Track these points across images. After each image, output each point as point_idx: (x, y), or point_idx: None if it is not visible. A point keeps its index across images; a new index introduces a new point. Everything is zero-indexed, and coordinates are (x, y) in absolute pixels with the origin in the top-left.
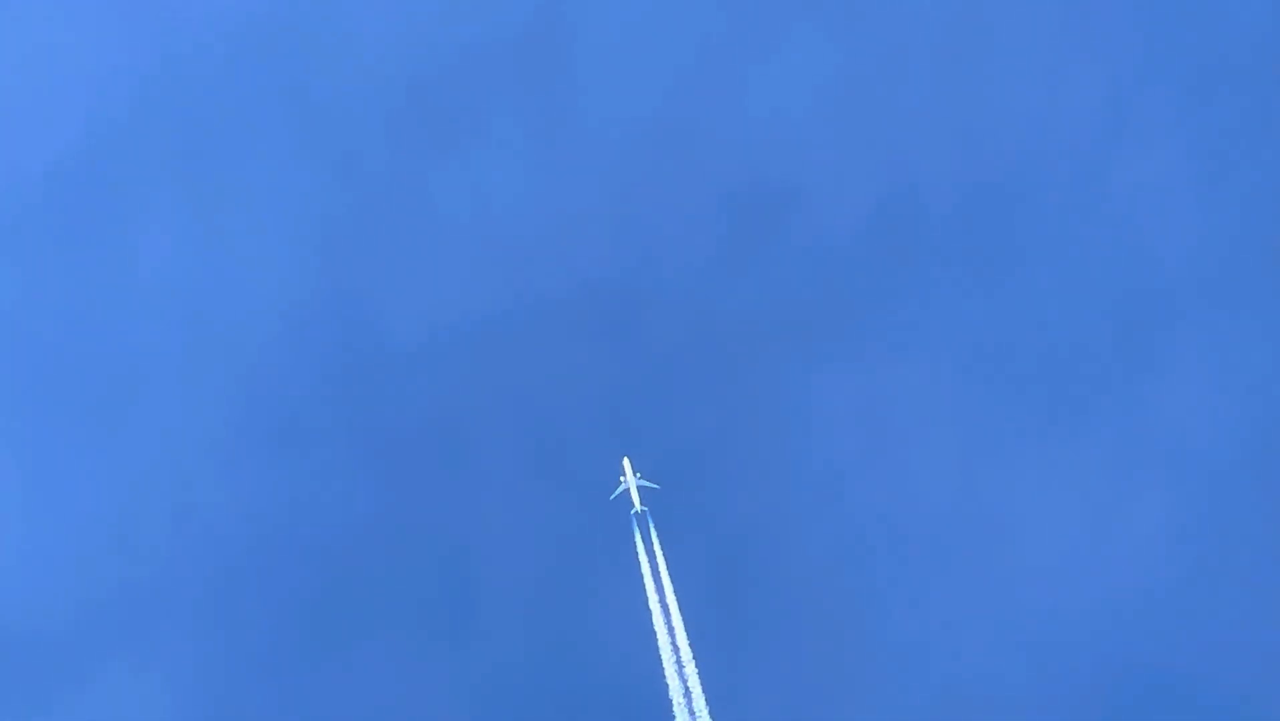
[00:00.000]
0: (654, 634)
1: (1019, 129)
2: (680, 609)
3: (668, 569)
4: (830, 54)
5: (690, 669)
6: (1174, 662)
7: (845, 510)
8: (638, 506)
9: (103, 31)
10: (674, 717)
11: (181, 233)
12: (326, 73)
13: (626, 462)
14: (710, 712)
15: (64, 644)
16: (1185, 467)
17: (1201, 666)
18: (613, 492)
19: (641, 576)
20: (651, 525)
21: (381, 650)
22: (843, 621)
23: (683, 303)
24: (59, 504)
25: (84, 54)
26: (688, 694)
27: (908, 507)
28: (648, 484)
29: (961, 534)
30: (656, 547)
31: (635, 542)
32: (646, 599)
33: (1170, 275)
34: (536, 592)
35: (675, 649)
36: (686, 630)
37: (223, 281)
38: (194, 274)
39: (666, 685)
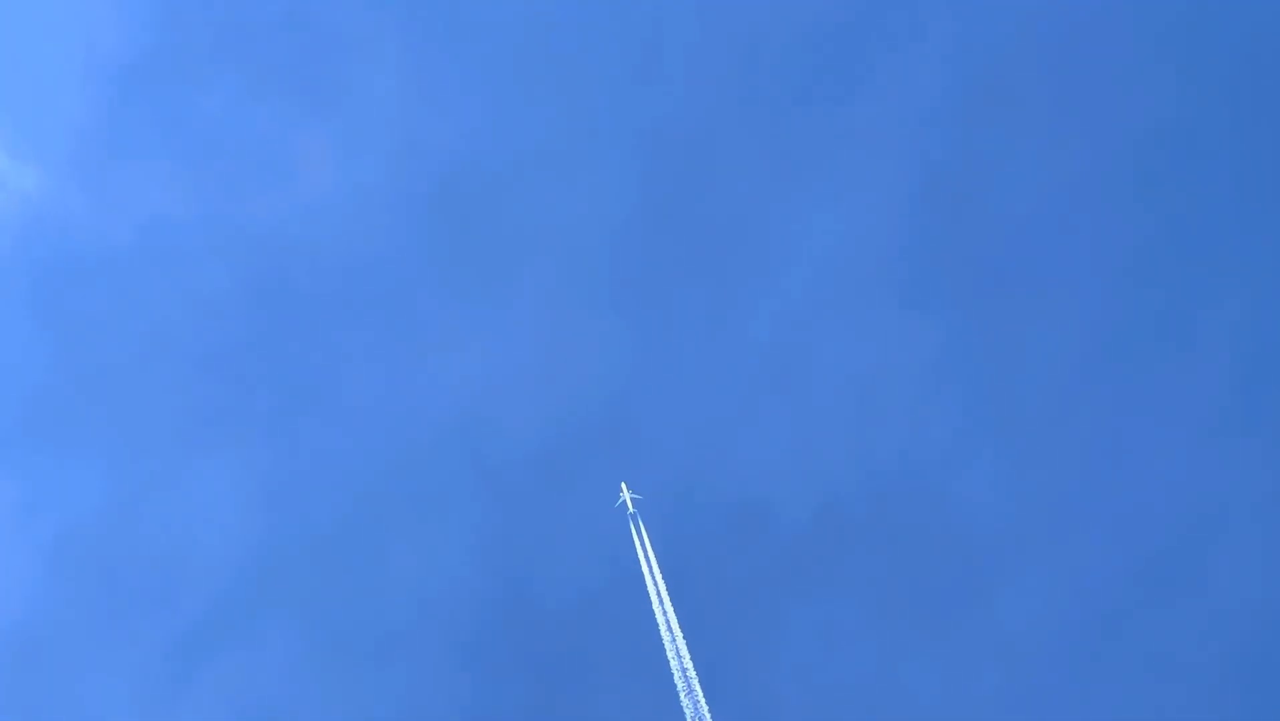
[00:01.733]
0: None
1: (896, 464)
2: (671, 599)
3: (657, 558)
4: (783, 421)
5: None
6: None
7: (811, 694)
8: (631, 509)
9: (361, 437)
10: None
11: (410, 550)
12: (489, 445)
13: (624, 485)
14: None
15: None
16: (1013, 659)
17: None
18: (615, 503)
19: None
20: (641, 522)
21: None
22: None
23: (699, 579)
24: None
25: (354, 451)
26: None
27: (845, 693)
28: (637, 496)
29: (876, 704)
30: (646, 539)
31: (632, 536)
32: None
33: (984, 544)
34: None
35: (671, 631)
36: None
37: (438, 570)
38: (419, 568)
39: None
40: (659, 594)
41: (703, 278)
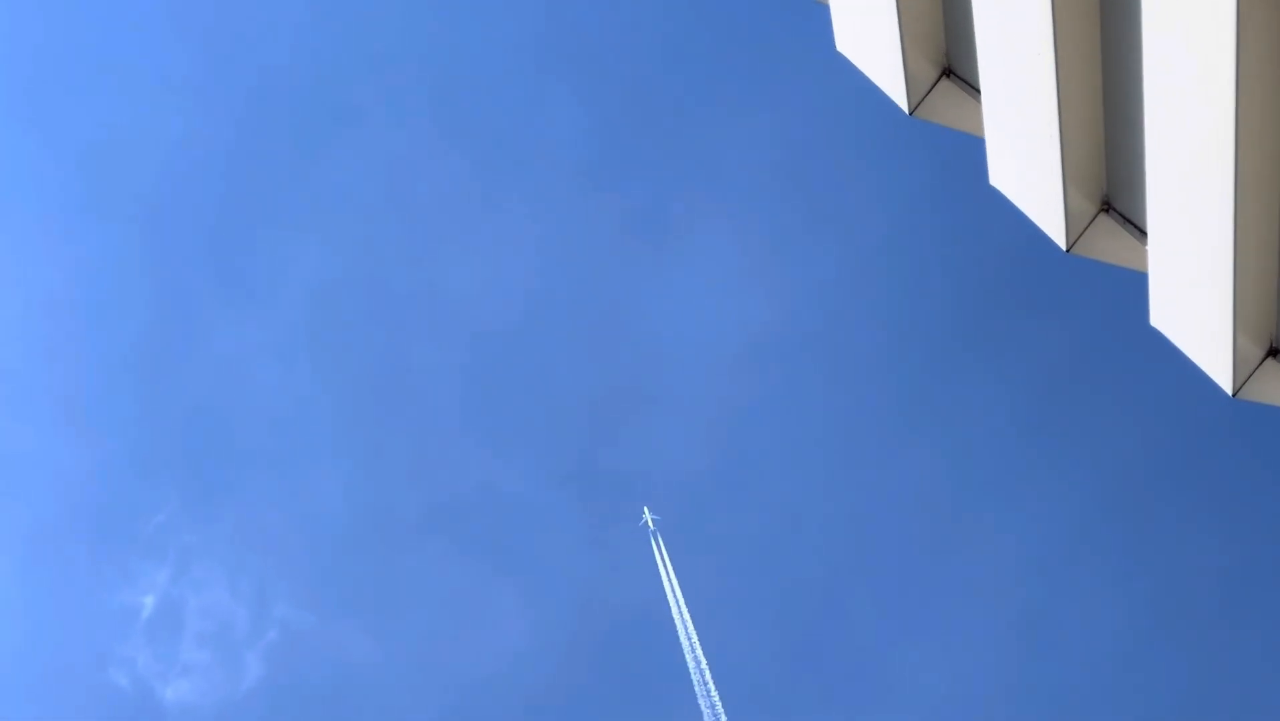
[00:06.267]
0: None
1: None
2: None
3: (675, 569)
4: None
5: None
6: None
7: None
8: (651, 526)
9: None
10: None
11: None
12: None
13: (646, 509)
14: None
15: None
16: None
17: None
18: (639, 523)
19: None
20: (661, 539)
21: None
22: None
23: None
24: None
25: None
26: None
27: None
28: (657, 516)
29: None
30: (666, 555)
31: (653, 551)
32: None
33: None
34: None
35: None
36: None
37: None
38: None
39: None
40: (679, 607)
41: (827, 708)
